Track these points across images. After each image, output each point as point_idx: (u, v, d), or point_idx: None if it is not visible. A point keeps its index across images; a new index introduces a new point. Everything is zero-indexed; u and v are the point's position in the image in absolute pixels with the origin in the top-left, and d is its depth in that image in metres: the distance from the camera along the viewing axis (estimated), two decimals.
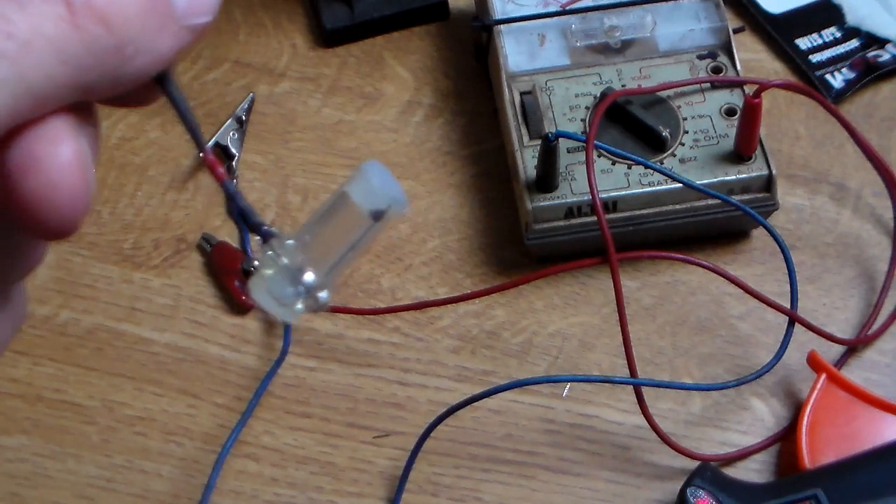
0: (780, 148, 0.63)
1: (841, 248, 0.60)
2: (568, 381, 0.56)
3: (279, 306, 0.27)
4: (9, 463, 0.55)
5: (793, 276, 0.54)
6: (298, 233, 0.28)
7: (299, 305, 0.27)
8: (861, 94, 0.66)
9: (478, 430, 0.55)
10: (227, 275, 0.59)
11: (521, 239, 0.58)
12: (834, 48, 0.67)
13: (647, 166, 0.56)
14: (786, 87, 0.59)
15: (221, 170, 0.27)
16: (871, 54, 0.66)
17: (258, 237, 0.28)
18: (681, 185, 0.56)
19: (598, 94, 0.59)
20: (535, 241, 0.57)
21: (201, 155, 0.27)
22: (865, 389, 0.53)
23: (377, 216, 0.27)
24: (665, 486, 0.53)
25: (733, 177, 0.57)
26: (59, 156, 0.23)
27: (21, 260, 0.26)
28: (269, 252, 0.27)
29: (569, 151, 0.57)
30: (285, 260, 0.27)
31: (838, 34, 0.67)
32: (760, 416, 0.55)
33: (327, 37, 0.68)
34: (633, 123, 0.58)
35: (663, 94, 0.59)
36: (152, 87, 0.25)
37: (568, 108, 0.59)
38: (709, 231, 0.59)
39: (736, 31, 0.62)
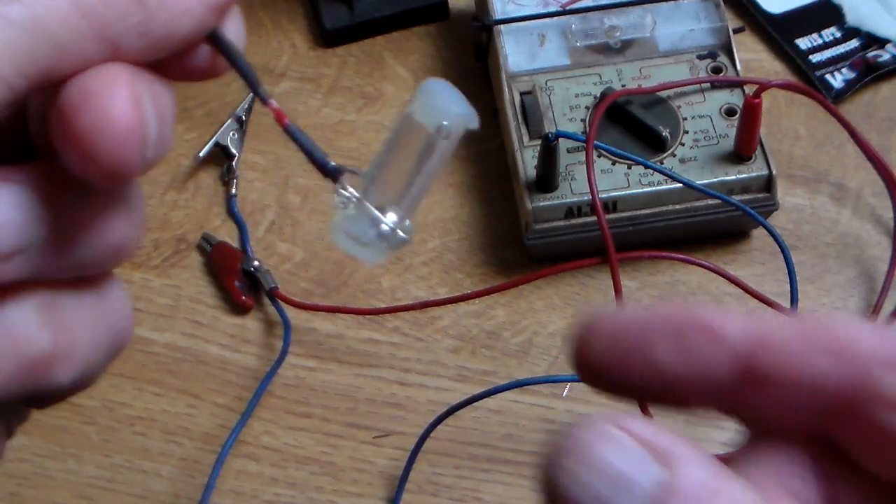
0: (780, 148, 0.63)
1: (841, 249, 0.60)
2: (568, 381, 0.56)
3: (361, 247, 0.26)
4: (9, 463, 0.54)
5: (793, 276, 0.54)
6: (368, 167, 0.27)
7: (381, 243, 0.26)
8: (861, 94, 0.66)
9: (478, 430, 0.55)
10: (227, 275, 0.59)
11: (521, 239, 0.58)
12: (834, 48, 0.67)
13: (647, 166, 0.56)
14: (786, 87, 0.59)
15: (286, 117, 0.26)
16: (871, 54, 0.66)
17: (327, 177, 0.26)
18: (681, 185, 0.56)
19: (598, 94, 0.59)
20: (535, 241, 0.57)
21: (265, 105, 0.26)
22: None
23: (443, 132, 0.26)
24: None
25: (733, 177, 0.57)
26: (113, 92, 0.23)
27: (97, 235, 0.25)
28: (341, 191, 0.26)
29: (569, 151, 0.57)
30: (357, 197, 0.26)
31: (838, 34, 0.67)
32: None
33: (327, 37, 0.68)
34: (633, 123, 0.58)
35: (663, 94, 0.59)
36: (210, 53, 0.25)
37: (568, 108, 0.59)
38: (709, 231, 0.59)
39: (736, 31, 0.62)
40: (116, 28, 0.23)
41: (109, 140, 0.22)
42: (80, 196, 0.24)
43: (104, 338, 0.26)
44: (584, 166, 0.55)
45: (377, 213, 0.26)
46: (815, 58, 0.66)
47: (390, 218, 0.26)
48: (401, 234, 0.26)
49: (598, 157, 0.57)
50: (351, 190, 0.26)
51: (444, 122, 0.26)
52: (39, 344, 0.24)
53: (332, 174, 0.26)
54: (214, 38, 0.25)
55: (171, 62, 0.25)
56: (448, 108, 0.26)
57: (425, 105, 0.27)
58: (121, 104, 0.23)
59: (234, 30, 0.26)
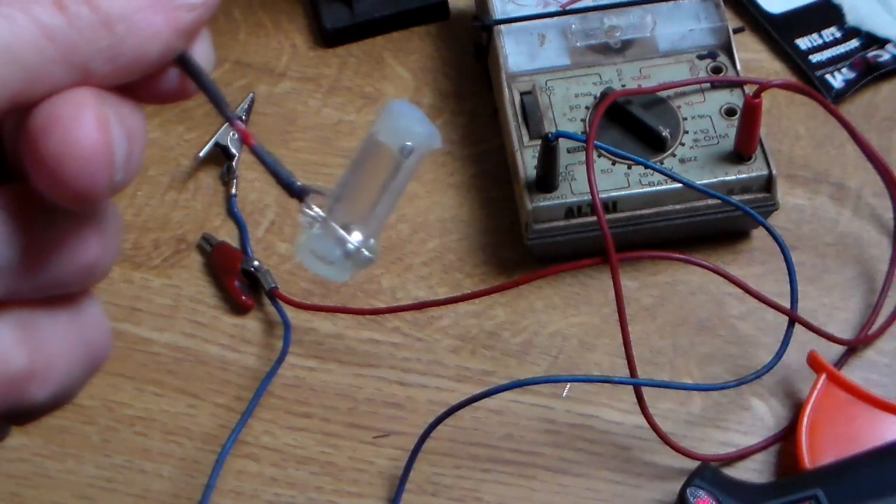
0: (780, 148, 0.63)
1: (841, 249, 0.60)
2: (568, 381, 0.56)
3: (327, 266, 0.27)
4: (9, 463, 0.55)
5: (793, 276, 0.54)
6: (334, 187, 0.27)
7: (347, 262, 0.27)
8: (861, 94, 0.66)
9: (478, 430, 0.55)
10: (227, 275, 0.59)
11: (521, 239, 0.58)
12: (834, 48, 0.67)
13: (647, 166, 0.56)
14: (786, 87, 0.59)
15: (251, 137, 0.27)
16: (871, 54, 0.66)
17: (293, 197, 0.27)
18: (681, 185, 0.56)
19: (598, 94, 0.59)
20: (535, 241, 0.57)
21: (228, 124, 0.27)
22: (865, 389, 0.53)
23: (407, 153, 0.27)
24: (665, 486, 0.53)
25: (733, 177, 0.57)
26: (79, 115, 0.23)
27: (68, 256, 0.25)
28: (307, 211, 0.27)
29: (569, 151, 0.57)
30: (322, 217, 0.27)
31: (838, 34, 0.67)
32: (760, 416, 0.55)
33: (327, 37, 0.68)
34: (633, 123, 0.58)
35: (663, 94, 0.59)
36: (178, 76, 0.25)
37: (568, 108, 0.59)
38: (709, 231, 0.59)
39: (736, 31, 0.62)
40: (85, 53, 0.23)
41: (76, 163, 0.23)
42: (53, 217, 0.24)
43: (81, 355, 0.26)
44: (584, 166, 0.55)
45: (342, 232, 0.27)
46: (815, 58, 0.66)
47: (356, 237, 0.27)
48: (366, 252, 0.27)
49: (598, 157, 0.57)
50: (316, 209, 0.27)
51: (408, 143, 0.27)
52: (16, 362, 0.24)
53: (298, 194, 0.27)
54: (183, 62, 0.25)
55: (140, 85, 0.25)
56: (411, 129, 0.27)
57: (389, 126, 0.27)
58: (86, 127, 0.23)
59: (202, 51, 0.26)
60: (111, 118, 0.23)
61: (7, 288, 0.24)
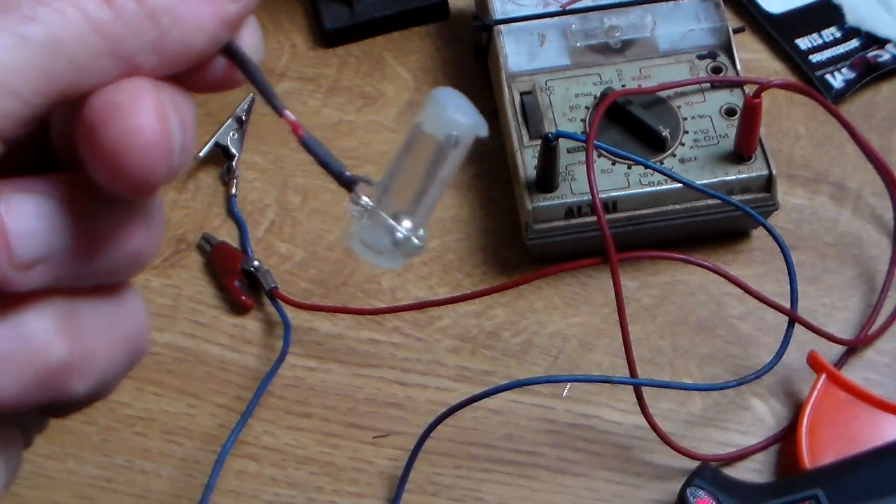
0: (780, 148, 0.63)
1: (841, 249, 0.60)
2: (568, 381, 0.56)
3: (377, 255, 0.27)
4: None
5: (793, 276, 0.54)
6: (382, 176, 0.27)
7: (396, 251, 0.27)
8: (861, 94, 0.66)
9: (478, 430, 0.55)
10: (227, 275, 0.59)
11: (521, 239, 0.58)
12: (834, 48, 0.67)
13: (647, 166, 0.56)
14: (786, 87, 0.59)
15: (301, 128, 0.27)
16: (871, 54, 0.66)
17: (343, 187, 0.27)
18: (681, 185, 0.56)
19: (598, 94, 0.59)
20: (535, 241, 0.57)
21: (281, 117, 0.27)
22: (865, 389, 0.53)
23: (452, 142, 0.27)
24: (665, 486, 0.53)
25: (733, 177, 0.57)
26: (138, 103, 0.23)
27: (116, 245, 0.25)
28: (357, 201, 0.27)
29: (569, 151, 0.57)
30: (372, 206, 0.27)
31: (838, 34, 0.67)
32: (760, 416, 0.55)
33: (327, 37, 0.68)
34: (633, 123, 0.58)
35: (663, 94, 0.59)
36: (226, 65, 0.26)
37: (568, 108, 0.59)
38: (709, 231, 0.59)
39: (736, 31, 0.62)
40: (131, 45, 0.23)
41: (137, 151, 0.23)
42: (102, 206, 0.25)
43: (121, 348, 0.26)
44: (584, 166, 0.55)
45: (391, 221, 0.27)
46: (815, 58, 0.66)
47: (405, 225, 0.27)
48: (415, 241, 0.27)
49: (598, 157, 0.57)
50: (365, 199, 0.27)
51: (454, 133, 0.27)
52: (57, 354, 0.24)
53: (347, 184, 0.27)
54: (230, 51, 0.25)
55: (188, 74, 0.25)
56: (457, 119, 0.27)
57: (434, 115, 0.27)
58: (146, 115, 0.23)
59: (250, 39, 0.26)
60: (168, 105, 0.24)
61: (54, 277, 0.24)
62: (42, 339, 0.24)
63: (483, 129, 0.27)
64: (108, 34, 0.23)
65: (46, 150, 0.26)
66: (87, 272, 0.25)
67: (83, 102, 0.23)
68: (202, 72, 0.25)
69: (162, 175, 0.23)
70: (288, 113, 0.27)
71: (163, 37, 0.24)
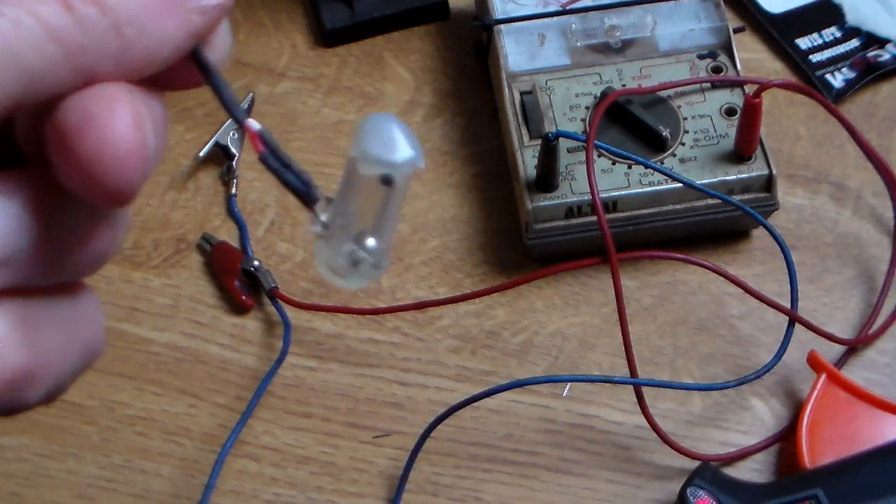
0: (781, 148, 0.63)
1: (841, 248, 0.60)
2: (568, 381, 0.56)
3: (339, 277, 0.26)
4: (9, 463, 0.55)
5: (793, 275, 0.54)
6: (336, 197, 0.26)
7: (357, 273, 0.26)
8: (861, 93, 0.66)
9: (478, 430, 0.55)
10: (227, 275, 0.59)
11: (521, 239, 0.58)
12: (834, 48, 0.67)
13: (647, 166, 0.56)
14: (786, 86, 0.59)
15: (260, 144, 0.26)
16: (871, 54, 0.66)
17: (303, 203, 0.26)
18: (681, 184, 0.56)
19: (599, 94, 0.59)
20: (536, 240, 0.57)
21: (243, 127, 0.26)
22: (865, 389, 0.53)
23: (388, 181, 0.26)
24: (665, 486, 0.53)
25: (733, 176, 0.57)
26: (115, 113, 0.22)
27: (81, 245, 0.25)
28: (315, 222, 0.26)
29: (569, 151, 0.57)
30: (325, 227, 0.26)
31: (838, 34, 0.67)
32: (760, 415, 0.55)
33: (327, 36, 0.68)
34: (633, 123, 0.58)
35: (663, 93, 0.59)
36: (190, 69, 0.25)
37: (568, 108, 0.59)
38: (709, 231, 0.59)
39: (736, 31, 0.62)
40: (92, 56, 0.22)
41: (114, 162, 0.22)
42: (67, 206, 0.24)
43: (78, 351, 0.26)
44: (585, 166, 0.55)
45: (349, 243, 0.26)
46: (816, 57, 0.66)
47: (368, 244, 0.26)
48: (369, 260, 0.26)
49: (599, 156, 0.57)
50: (322, 220, 0.26)
51: (388, 173, 0.26)
52: (15, 362, 0.23)
53: (308, 202, 0.26)
54: (195, 57, 0.25)
55: (152, 77, 0.24)
56: (387, 158, 0.26)
57: (364, 155, 0.26)
58: (123, 125, 0.22)
59: (218, 38, 0.25)
60: (143, 113, 0.23)
61: (17, 278, 0.23)
62: (2, 347, 0.23)
63: (419, 163, 0.26)
64: (67, 43, 0.22)
65: (9, 143, 0.25)
66: (49, 273, 0.24)
67: (54, 108, 0.22)
68: (167, 73, 0.24)
69: (137, 184, 0.23)
70: (250, 123, 0.26)
71: (126, 48, 0.23)
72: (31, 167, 0.24)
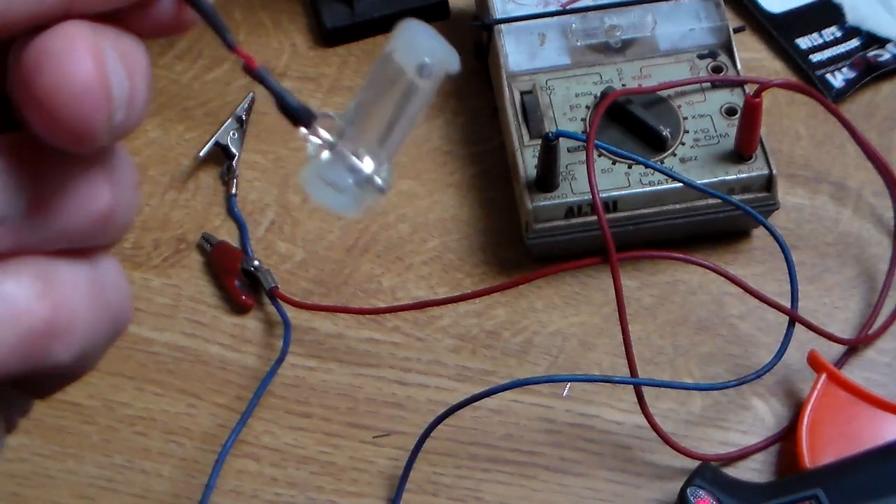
0: (781, 147, 0.63)
1: (841, 248, 0.60)
2: (568, 380, 0.56)
3: (336, 194, 0.25)
4: (9, 463, 0.54)
5: (793, 275, 0.54)
6: (346, 111, 0.25)
7: (357, 191, 0.25)
8: (861, 93, 0.65)
9: (478, 430, 0.55)
10: (227, 275, 0.59)
11: (521, 238, 0.58)
12: (834, 48, 0.67)
13: (647, 166, 0.56)
14: (786, 86, 0.59)
15: (254, 62, 0.25)
16: (871, 54, 0.66)
17: (298, 123, 0.25)
18: (681, 184, 0.56)
19: (599, 94, 0.59)
20: (536, 240, 0.57)
21: (232, 51, 0.25)
22: (866, 389, 0.53)
23: (425, 72, 0.25)
24: (665, 486, 0.53)
25: (734, 176, 0.57)
26: (72, 48, 0.22)
27: (77, 204, 0.24)
28: (315, 137, 0.25)
29: (569, 151, 0.57)
30: (332, 141, 0.25)
31: (839, 34, 0.67)
32: (761, 415, 0.55)
33: (327, 36, 0.68)
34: (633, 123, 0.58)
35: (664, 93, 0.59)
36: (174, 3, 0.24)
37: (568, 108, 0.59)
38: (709, 230, 0.59)
39: (736, 31, 0.62)
40: None
41: (70, 99, 0.21)
42: (59, 164, 0.23)
43: (103, 314, 0.25)
44: (585, 166, 0.55)
45: (354, 158, 0.25)
46: (816, 57, 0.66)
47: (367, 164, 0.25)
48: (378, 181, 0.25)
49: (599, 156, 0.57)
50: (325, 134, 0.25)
51: (426, 60, 0.25)
52: (40, 315, 0.23)
53: (304, 118, 0.25)
54: None
55: (134, 16, 0.23)
56: (430, 47, 0.25)
57: (405, 44, 0.25)
58: (80, 60, 0.22)
59: None
60: (107, 51, 0.22)
61: (16, 238, 0.23)
62: (25, 301, 0.23)
63: (455, 62, 0.25)
64: None
65: (6, 113, 0.24)
66: (50, 234, 0.24)
67: (22, 48, 0.22)
68: (149, 10, 0.24)
69: (101, 125, 0.22)
70: (241, 48, 0.25)
71: None
72: (18, 129, 0.24)
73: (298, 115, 0.25)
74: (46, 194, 0.23)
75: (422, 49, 0.25)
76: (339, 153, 0.25)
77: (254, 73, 0.25)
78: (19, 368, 0.23)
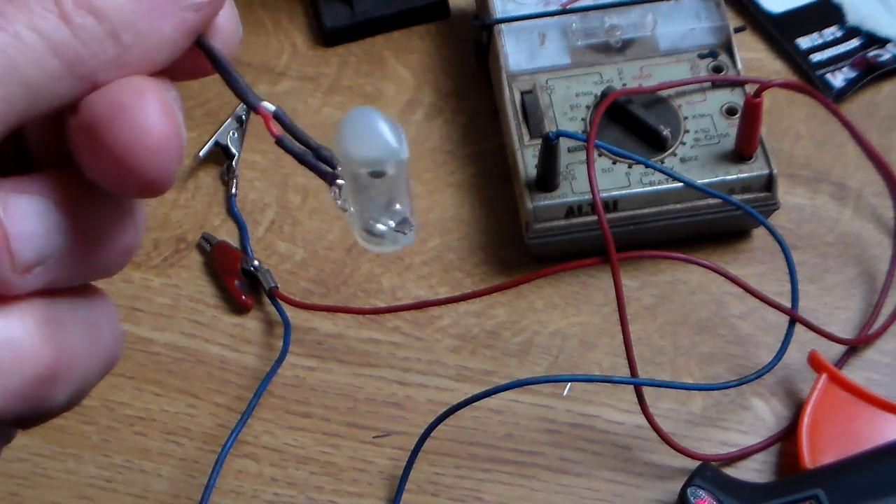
0: (781, 147, 0.63)
1: (842, 248, 0.60)
2: (568, 380, 0.56)
3: (372, 245, 0.27)
4: (9, 463, 0.54)
5: (793, 275, 0.54)
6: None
7: (390, 238, 0.26)
8: (862, 93, 0.65)
9: (478, 430, 0.55)
10: (227, 275, 0.59)
11: (521, 238, 0.58)
12: (835, 47, 0.67)
13: (647, 165, 0.56)
14: (786, 86, 0.59)
15: (275, 128, 0.26)
16: (871, 54, 0.66)
17: (323, 179, 0.26)
18: (681, 184, 0.56)
19: (599, 94, 0.59)
20: (536, 240, 0.57)
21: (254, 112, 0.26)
22: (866, 389, 0.53)
23: (377, 175, 0.26)
24: (665, 486, 0.53)
25: (734, 176, 0.57)
26: (146, 103, 0.22)
27: (110, 241, 0.25)
28: (336, 197, 0.26)
29: (569, 151, 0.57)
30: (347, 208, 0.26)
31: (839, 33, 0.67)
32: (761, 415, 0.55)
33: (327, 36, 0.68)
34: (633, 123, 0.58)
35: (664, 93, 0.59)
36: (199, 57, 0.25)
37: (568, 108, 0.59)
38: (709, 230, 0.59)
39: (737, 31, 0.62)
40: (91, 65, 0.22)
41: (148, 152, 0.22)
42: (94, 204, 0.24)
43: (100, 354, 0.26)
44: (585, 165, 0.55)
45: (374, 217, 0.26)
46: (816, 57, 0.66)
47: (397, 209, 0.26)
48: (397, 229, 0.26)
49: (599, 156, 0.57)
50: (345, 197, 0.26)
51: (369, 170, 0.26)
52: (44, 360, 0.23)
53: (329, 179, 0.26)
54: (200, 45, 0.25)
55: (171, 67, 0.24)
56: (367, 156, 0.26)
57: (345, 156, 0.26)
58: (154, 114, 0.22)
59: (226, 22, 0.25)
60: (172, 102, 0.23)
61: (55, 276, 0.23)
62: (28, 345, 0.23)
63: (403, 153, 0.26)
64: (66, 55, 0.22)
65: (17, 148, 0.25)
66: (81, 271, 0.24)
67: (75, 108, 0.23)
68: (177, 64, 0.24)
69: (173, 173, 0.23)
70: (264, 106, 0.26)
71: (125, 53, 0.23)
72: (52, 170, 0.24)
73: (323, 178, 0.27)
74: (84, 234, 0.24)
75: (361, 160, 0.25)
76: (358, 214, 0.26)
77: (277, 141, 0.27)
78: (19, 411, 0.23)
